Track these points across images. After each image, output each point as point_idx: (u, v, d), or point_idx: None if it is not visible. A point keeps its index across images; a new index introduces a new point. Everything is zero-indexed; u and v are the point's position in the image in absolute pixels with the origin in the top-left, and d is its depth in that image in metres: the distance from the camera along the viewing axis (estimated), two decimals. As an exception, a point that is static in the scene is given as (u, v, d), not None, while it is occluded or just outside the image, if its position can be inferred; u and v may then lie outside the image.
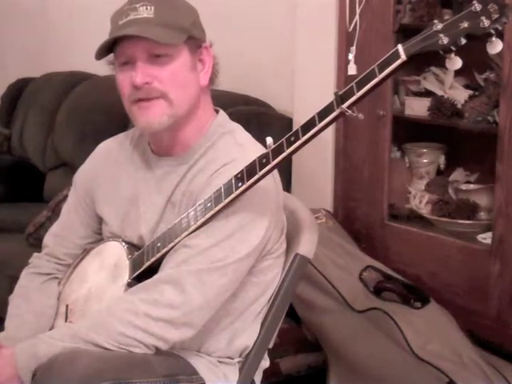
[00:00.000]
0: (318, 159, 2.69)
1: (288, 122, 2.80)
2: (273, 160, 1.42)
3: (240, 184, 1.45)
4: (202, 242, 1.50)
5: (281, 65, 2.96)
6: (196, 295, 1.49)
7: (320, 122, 1.37)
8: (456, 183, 2.58)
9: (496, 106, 2.27)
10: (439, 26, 1.28)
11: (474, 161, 2.60)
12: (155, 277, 1.52)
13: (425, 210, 2.55)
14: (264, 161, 1.43)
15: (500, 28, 1.24)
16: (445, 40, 1.27)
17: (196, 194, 1.56)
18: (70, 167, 3.37)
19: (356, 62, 2.49)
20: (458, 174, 2.62)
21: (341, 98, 1.34)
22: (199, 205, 1.51)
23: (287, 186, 2.75)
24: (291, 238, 1.70)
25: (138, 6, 1.53)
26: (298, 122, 2.64)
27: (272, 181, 1.57)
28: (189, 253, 1.50)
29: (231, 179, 1.47)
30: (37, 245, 1.90)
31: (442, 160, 2.66)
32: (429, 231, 2.45)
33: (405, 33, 2.38)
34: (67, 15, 4.25)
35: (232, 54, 3.00)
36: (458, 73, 2.55)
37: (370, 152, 2.55)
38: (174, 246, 1.53)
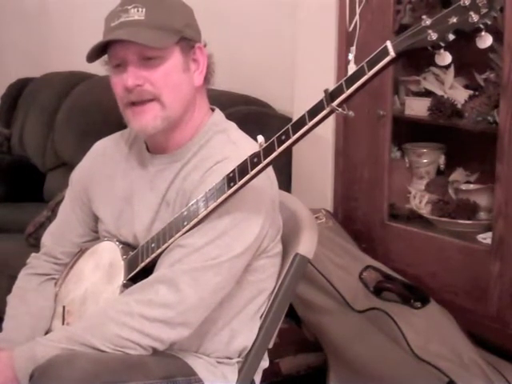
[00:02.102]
0: (317, 159, 2.69)
1: (288, 122, 2.76)
2: (264, 159, 1.42)
3: (232, 184, 1.45)
4: (195, 241, 1.50)
5: (281, 65, 2.96)
6: (191, 294, 1.49)
7: (310, 120, 1.36)
8: (456, 183, 2.58)
9: (496, 106, 2.27)
10: (428, 22, 1.26)
11: (474, 161, 2.60)
12: (150, 277, 1.52)
13: (425, 210, 2.55)
14: (255, 160, 1.43)
15: (489, 23, 1.22)
16: (433, 36, 1.25)
17: (190, 193, 1.56)
18: (70, 167, 3.34)
19: (356, 62, 2.49)
20: (457, 174, 2.61)
21: (330, 96, 1.33)
22: (192, 205, 1.51)
23: (287, 186, 2.74)
24: (291, 238, 1.70)
25: (129, 7, 1.54)
26: (298, 121, 2.63)
27: (266, 178, 1.57)
28: (183, 252, 1.50)
29: (223, 178, 1.47)
30: (37, 245, 1.90)
31: (442, 160, 2.66)
32: (429, 231, 2.44)
33: (405, 33, 2.38)
34: (67, 15, 4.25)
35: (232, 54, 3.01)
36: (457, 73, 2.55)
37: (370, 152, 2.55)
38: (168, 246, 1.53)
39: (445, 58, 1.28)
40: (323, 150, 2.65)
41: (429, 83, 2.63)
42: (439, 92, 2.57)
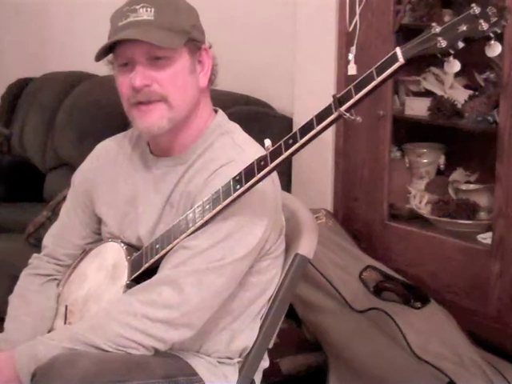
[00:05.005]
0: (318, 159, 2.69)
1: (288, 122, 2.80)
2: (271, 163, 1.42)
3: (238, 186, 1.45)
4: (200, 243, 1.50)
5: (281, 65, 2.96)
6: (194, 295, 1.49)
7: (318, 124, 1.36)
8: (456, 183, 2.59)
9: (496, 106, 2.27)
10: (437, 29, 1.27)
11: (474, 161, 2.61)
12: (153, 278, 1.52)
13: (425, 210, 2.55)
14: (262, 163, 1.43)
15: (499, 31, 1.23)
16: (443, 43, 1.26)
17: (194, 195, 1.55)
18: (70, 167, 3.37)
19: (356, 62, 2.49)
20: (457, 174, 2.62)
21: (339, 101, 1.34)
22: (197, 207, 1.51)
23: (287, 186, 2.75)
24: (291, 238, 1.70)
25: (138, 7, 1.53)
26: (298, 122, 2.63)
27: (270, 181, 1.57)
28: (187, 254, 1.50)
29: (229, 181, 1.47)
30: (37, 245, 1.90)
31: (442, 160, 2.66)
32: (429, 231, 2.45)
33: (405, 33, 2.39)
34: (67, 15, 4.25)
35: (232, 54, 3.00)
36: (458, 73, 2.53)
37: (370, 152, 2.55)
38: (173, 247, 1.53)
39: (454, 65, 1.30)
40: (323, 150, 2.65)
41: (429, 83, 2.63)
42: (439, 92, 2.57)
